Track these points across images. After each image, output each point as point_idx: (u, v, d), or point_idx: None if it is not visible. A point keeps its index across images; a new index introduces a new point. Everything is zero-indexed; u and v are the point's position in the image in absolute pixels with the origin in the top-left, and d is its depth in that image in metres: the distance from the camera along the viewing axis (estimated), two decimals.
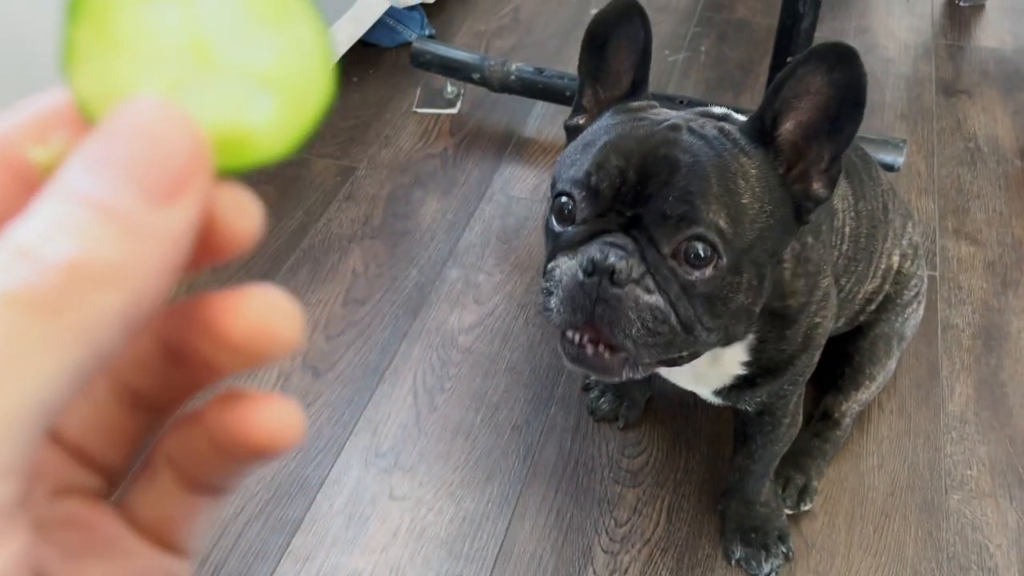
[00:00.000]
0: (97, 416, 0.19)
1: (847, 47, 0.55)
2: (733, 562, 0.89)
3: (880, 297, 0.95)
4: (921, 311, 1.00)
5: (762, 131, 0.59)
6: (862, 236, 0.83)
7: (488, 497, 0.96)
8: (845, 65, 0.55)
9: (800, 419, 0.83)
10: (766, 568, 0.87)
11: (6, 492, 0.15)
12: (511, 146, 1.44)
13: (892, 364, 0.97)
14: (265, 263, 1.24)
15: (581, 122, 0.67)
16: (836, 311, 0.77)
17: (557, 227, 0.60)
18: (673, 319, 0.57)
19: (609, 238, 0.57)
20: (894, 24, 1.71)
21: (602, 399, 1.02)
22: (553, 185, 0.63)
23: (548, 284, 0.58)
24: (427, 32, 1.69)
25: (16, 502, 0.15)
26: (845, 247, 0.81)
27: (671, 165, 0.56)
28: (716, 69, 1.61)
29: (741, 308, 0.61)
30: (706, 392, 0.77)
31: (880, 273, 0.92)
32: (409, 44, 1.59)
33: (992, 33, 1.67)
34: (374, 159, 1.43)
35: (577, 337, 0.59)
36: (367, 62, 1.64)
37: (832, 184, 0.60)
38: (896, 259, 0.94)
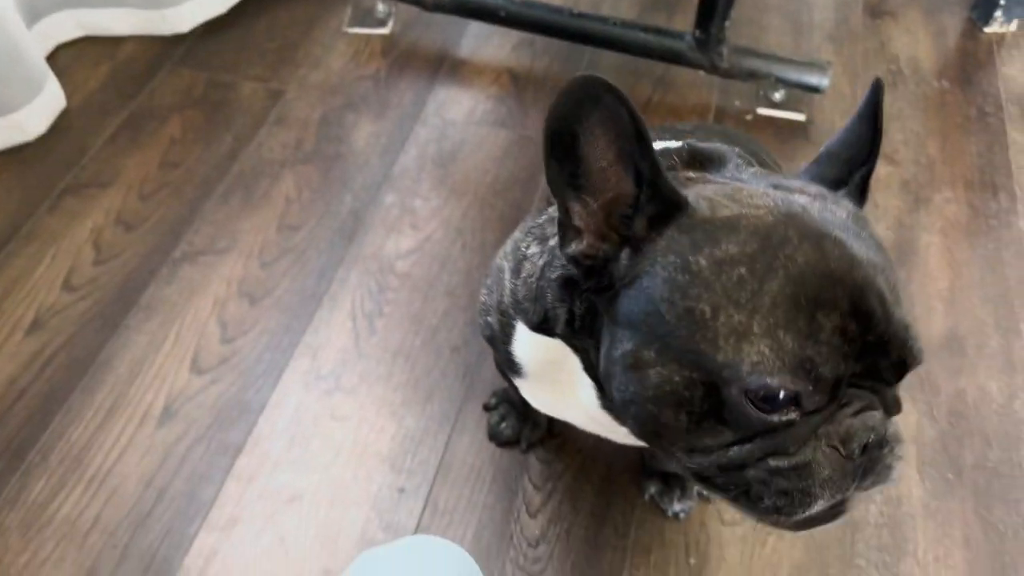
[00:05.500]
0: None
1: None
2: (647, 497, 0.92)
3: None
4: None
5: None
6: None
7: (429, 415, 0.99)
8: None
9: None
10: (677, 507, 0.90)
11: None
12: (445, 67, 1.42)
13: None
14: (196, 189, 1.21)
15: (582, 247, 0.52)
16: None
17: (765, 417, 0.47)
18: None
19: (851, 404, 0.49)
20: None
21: (503, 423, 0.96)
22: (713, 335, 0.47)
23: (804, 484, 0.48)
24: None
25: None
26: None
27: (883, 296, 0.47)
28: None
29: None
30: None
31: None
32: None
33: None
34: (304, 81, 1.39)
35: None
36: None
37: None
38: None
